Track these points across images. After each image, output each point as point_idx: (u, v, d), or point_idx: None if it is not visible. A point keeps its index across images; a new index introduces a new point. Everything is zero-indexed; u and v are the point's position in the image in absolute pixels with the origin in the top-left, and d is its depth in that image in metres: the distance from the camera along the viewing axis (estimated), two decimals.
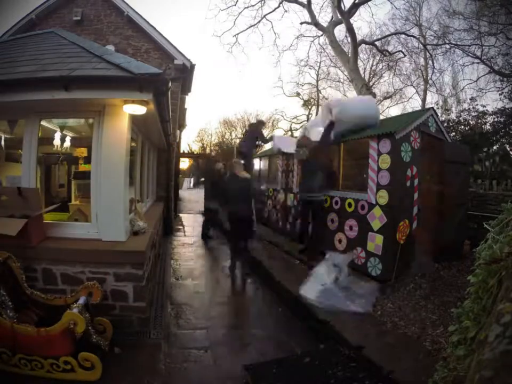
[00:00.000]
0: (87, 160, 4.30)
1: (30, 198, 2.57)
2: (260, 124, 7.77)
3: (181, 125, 10.01)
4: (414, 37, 13.19)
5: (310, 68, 17.31)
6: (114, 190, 2.88)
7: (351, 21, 9.85)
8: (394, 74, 15.83)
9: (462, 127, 11.14)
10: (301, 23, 12.25)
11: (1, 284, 2.14)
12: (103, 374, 2.03)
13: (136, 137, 4.18)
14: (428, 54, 13.63)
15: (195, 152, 17.31)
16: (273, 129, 22.11)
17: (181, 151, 12.36)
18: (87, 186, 3.07)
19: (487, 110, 10.95)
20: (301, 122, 20.44)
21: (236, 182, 4.29)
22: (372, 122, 4.17)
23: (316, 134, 4.67)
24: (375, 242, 3.52)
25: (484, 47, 11.20)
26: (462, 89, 13.46)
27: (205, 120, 41.87)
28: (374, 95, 5.68)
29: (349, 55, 10.10)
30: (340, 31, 12.43)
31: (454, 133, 10.63)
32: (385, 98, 17.18)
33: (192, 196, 15.83)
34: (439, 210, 4.21)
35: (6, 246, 2.37)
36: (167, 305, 3.26)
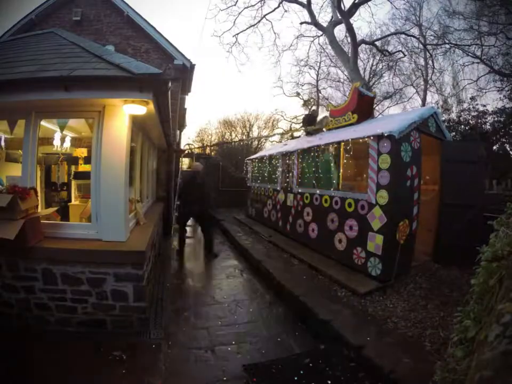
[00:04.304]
0: (87, 160, 4.30)
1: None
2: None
3: (181, 125, 10.01)
4: (414, 37, 13.21)
5: (310, 68, 17.32)
6: (114, 190, 2.87)
7: (351, 21, 9.86)
8: (394, 74, 15.83)
9: (462, 126, 11.15)
10: (301, 23, 12.26)
11: None
12: (103, 374, 2.03)
13: (136, 137, 4.18)
14: (428, 54, 13.64)
15: (195, 152, 17.27)
16: (273, 129, 22.10)
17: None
18: (87, 186, 3.07)
19: (487, 109, 10.96)
20: (301, 122, 20.42)
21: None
22: None
23: None
24: (375, 242, 3.52)
25: (483, 47, 11.21)
26: (462, 89, 13.46)
27: (205, 120, 41.85)
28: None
29: (349, 55, 10.10)
30: (340, 31, 12.46)
31: (454, 133, 10.63)
32: (385, 98, 17.16)
33: None
34: (438, 211, 4.20)
35: (4, 247, 2.37)
36: (167, 305, 3.26)
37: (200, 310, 3.25)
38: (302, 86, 18.73)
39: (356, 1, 9.87)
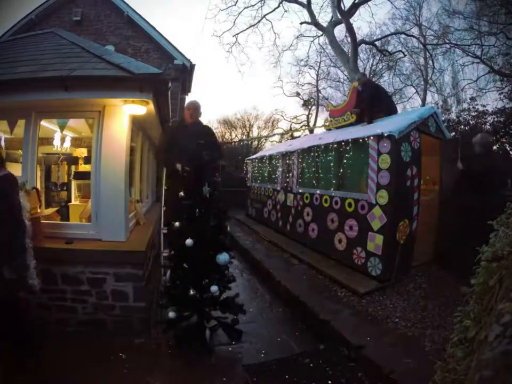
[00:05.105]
0: (87, 160, 4.30)
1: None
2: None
3: None
4: (414, 36, 13.21)
5: (310, 68, 17.33)
6: (114, 190, 2.88)
7: (351, 21, 9.86)
8: (394, 74, 15.82)
9: (462, 126, 11.14)
10: (301, 23, 12.27)
11: None
12: (103, 374, 2.03)
13: (136, 137, 4.18)
14: (428, 53, 13.64)
15: None
16: (273, 129, 22.12)
17: None
18: (87, 186, 3.07)
19: (487, 109, 10.93)
20: (301, 122, 20.44)
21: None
22: None
23: None
24: (375, 242, 3.52)
25: (483, 47, 11.18)
26: (462, 89, 13.42)
27: (205, 120, 41.82)
28: None
29: (349, 55, 10.10)
30: (340, 31, 12.44)
31: (454, 133, 10.62)
32: None
33: None
34: (437, 212, 4.20)
35: None
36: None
37: None
38: (302, 86, 18.74)
39: (356, 1, 9.87)
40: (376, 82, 6.22)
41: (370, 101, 4.56)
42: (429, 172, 4.44)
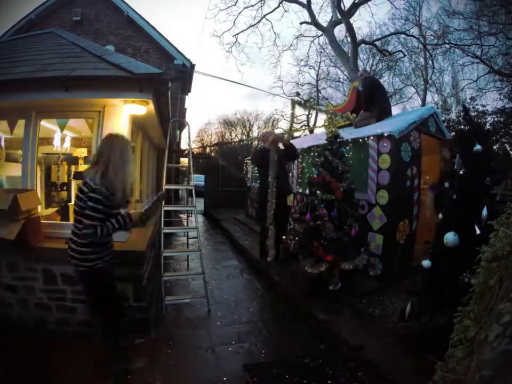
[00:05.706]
0: (87, 160, 4.30)
1: None
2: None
3: (181, 125, 10.01)
4: (414, 36, 13.23)
5: (310, 68, 17.34)
6: None
7: (351, 20, 9.88)
8: (394, 74, 15.84)
9: (462, 126, 11.14)
10: (301, 23, 12.29)
11: None
12: (103, 374, 2.03)
13: (136, 137, 4.17)
14: (427, 53, 13.65)
15: (194, 152, 17.25)
16: (273, 129, 22.10)
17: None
18: None
19: (487, 109, 10.94)
20: (301, 122, 20.44)
21: None
22: None
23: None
24: (375, 242, 3.52)
25: (483, 47, 11.19)
26: (462, 89, 13.45)
27: (205, 120, 41.76)
28: None
29: (349, 55, 10.11)
30: (340, 31, 12.46)
31: (454, 133, 10.61)
32: None
33: None
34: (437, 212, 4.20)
35: (4, 247, 2.37)
36: (168, 305, 3.26)
37: (199, 309, 3.25)
38: (302, 86, 18.73)
39: (356, 1, 9.89)
40: (373, 76, 6.16)
41: (367, 97, 4.56)
42: (429, 172, 4.45)
